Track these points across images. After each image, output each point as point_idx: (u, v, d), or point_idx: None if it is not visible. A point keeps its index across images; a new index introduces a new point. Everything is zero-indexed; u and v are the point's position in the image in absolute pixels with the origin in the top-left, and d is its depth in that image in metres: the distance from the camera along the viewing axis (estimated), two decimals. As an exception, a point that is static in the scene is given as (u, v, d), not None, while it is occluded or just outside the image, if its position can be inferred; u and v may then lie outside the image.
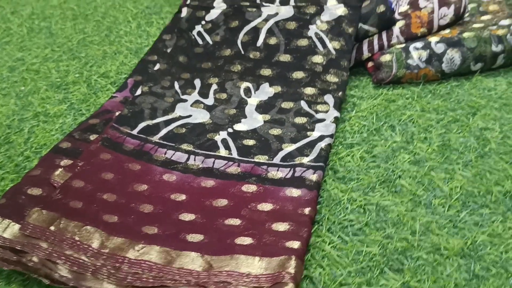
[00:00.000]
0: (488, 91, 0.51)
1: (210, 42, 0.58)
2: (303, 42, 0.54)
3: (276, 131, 0.47)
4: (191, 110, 0.51)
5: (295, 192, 0.41)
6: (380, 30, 0.55)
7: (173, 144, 0.47)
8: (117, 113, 0.52)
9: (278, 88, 0.52)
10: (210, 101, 0.52)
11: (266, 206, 0.40)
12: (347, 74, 0.52)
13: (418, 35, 0.54)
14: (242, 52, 0.56)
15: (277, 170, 0.43)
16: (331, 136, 0.46)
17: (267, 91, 0.52)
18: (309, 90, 0.51)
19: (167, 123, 0.49)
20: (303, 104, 0.50)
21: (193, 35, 0.59)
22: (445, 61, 0.52)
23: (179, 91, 0.54)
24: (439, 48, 0.52)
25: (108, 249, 0.36)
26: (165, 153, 0.46)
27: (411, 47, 0.53)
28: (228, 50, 0.56)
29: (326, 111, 0.49)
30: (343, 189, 0.41)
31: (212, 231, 0.38)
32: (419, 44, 0.53)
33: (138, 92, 0.54)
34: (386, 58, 0.53)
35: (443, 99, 0.51)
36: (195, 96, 0.53)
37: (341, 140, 0.47)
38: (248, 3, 0.59)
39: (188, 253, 0.36)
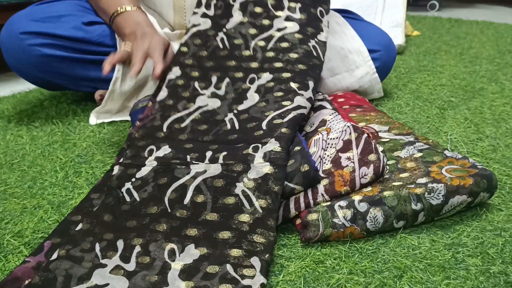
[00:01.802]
0: (413, 250, 0.52)
1: (137, 199, 0.56)
2: (230, 200, 0.53)
3: None
4: (109, 278, 0.47)
5: None
6: (305, 188, 0.56)
7: None
8: (26, 282, 0.47)
9: (204, 250, 0.50)
10: (131, 266, 0.49)
11: None
12: (274, 235, 0.51)
13: (342, 193, 0.55)
14: (169, 210, 0.54)
15: None
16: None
17: (192, 253, 0.49)
18: (236, 252, 0.49)
19: None
20: (228, 267, 0.47)
21: (122, 192, 0.58)
22: (369, 220, 0.53)
23: (99, 254, 0.50)
24: (362, 207, 0.53)
25: None
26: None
27: (336, 206, 0.53)
28: (154, 208, 0.55)
29: (253, 276, 0.46)
30: None
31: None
32: (343, 203, 0.54)
33: (54, 256, 0.50)
34: (312, 217, 0.53)
35: (370, 259, 0.50)
36: (115, 260, 0.49)
37: (267, 312, 0.44)
38: (178, 161, 0.60)
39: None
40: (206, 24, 0.79)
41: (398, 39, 1.41)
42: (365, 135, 0.61)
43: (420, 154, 0.62)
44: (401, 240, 0.53)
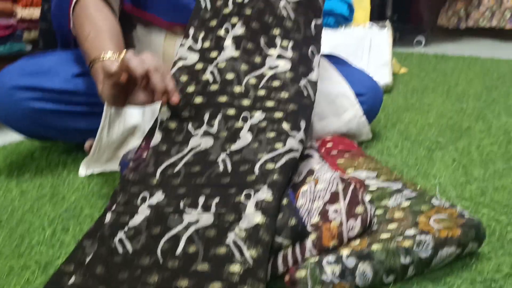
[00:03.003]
0: (403, 306, 0.51)
1: (130, 251, 0.56)
2: (222, 250, 0.53)
3: None
4: None
5: None
6: (293, 243, 0.56)
7: None
8: None
9: None
10: None
11: None
12: (263, 286, 0.50)
13: (330, 247, 0.55)
14: (161, 262, 0.54)
15: None
16: None
17: None
18: None
19: None
20: None
21: (114, 243, 0.57)
22: (357, 276, 0.52)
23: None
24: (350, 262, 0.53)
25: None
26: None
27: (324, 262, 0.53)
28: (147, 259, 0.54)
29: None
30: None
31: None
32: (331, 258, 0.53)
33: None
34: (301, 274, 0.52)
35: (360, 317, 0.50)
36: None
37: None
38: (171, 209, 0.59)
39: None
40: (192, 58, 0.77)
41: (385, 78, 1.43)
42: (352, 186, 0.61)
43: (408, 203, 0.62)
44: (391, 295, 0.53)
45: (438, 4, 2.86)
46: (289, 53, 0.78)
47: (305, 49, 0.79)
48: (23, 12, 1.36)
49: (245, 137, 0.68)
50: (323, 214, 0.59)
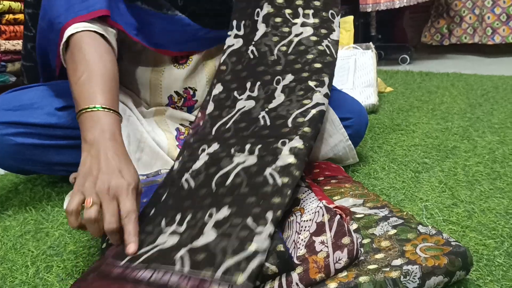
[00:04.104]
0: None
1: (193, 187, 0.70)
2: (260, 179, 0.64)
3: (223, 244, 0.55)
4: (167, 238, 0.61)
5: None
6: (280, 271, 0.55)
7: (146, 264, 0.57)
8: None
9: (233, 209, 0.61)
10: (183, 228, 0.61)
11: None
12: (288, 199, 0.61)
13: (317, 280, 0.54)
14: (214, 191, 0.66)
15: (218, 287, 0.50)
16: (263, 252, 0.54)
17: (224, 212, 0.61)
18: (256, 210, 0.59)
19: (147, 252, 0.59)
20: (249, 219, 0.58)
21: (181, 183, 0.72)
22: (346, 310, 0.51)
23: (163, 226, 0.64)
24: (338, 296, 0.52)
25: None
26: (138, 274, 0.56)
27: (311, 296, 0.52)
28: (204, 190, 0.68)
29: (264, 225, 0.56)
30: None
31: None
32: (318, 292, 0.52)
33: None
34: (288, 309, 0.52)
35: None
36: (173, 227, 0.63)
37: None
38: (224, 154, 0.72)
39: None
40: (238, 43, 0.90)
41: (371, 99, 1.44)
42: (338, 216, 0.61)
43: (394, 231, 0.62)
44: (380, 328, 0.52)
45: (421, 22, 2.91)
46: (311, 20, 0.89)
47: (325, 13, 0.90)
48: (6, 45, 1.36)
49: (279, 97, 0.78)
50: (310, 245, 0.58)
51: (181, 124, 1.00)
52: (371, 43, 1.65)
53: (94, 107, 0.67)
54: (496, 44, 2.50)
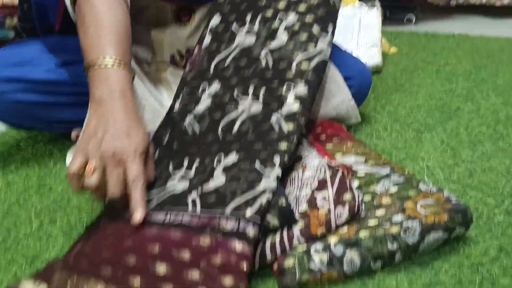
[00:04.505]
0: (391, 292, 0.51)
1: (197, 132, 0.70)
2: (266, 127, 0.66)
3: (232, 187, 0.58)
4: (176, 183, 0.63)
5: (238, 246, 0.51)
6: (281, 225, 0.56)
7: (158, 208, 0.59)
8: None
9: (241, 155, 0.63)
10: (191, 173, 0.64)
11: (217, 259, 0.50)
12: (293, 146, 0.64)
13: (318, 235, 0.55)
14: (220, 138, 0.68)
15: (227, 222, 0.54)
16: (270, 191, 0.56)
17: (233, 157, 0.63)
18: (264, 154, 0.62)
19: (158, 198, 0.61)
20: (257, 163, 0.60)
21: (184, 126, 0.72)
22: (345, 263, 0.52)
23: (171, 171, 0.66)
24: (338, 250, 0.53)
25: None
26: (152, 217, 0.58)
27: (312, 250, 0.53)
28: (210, 136, 0.69)
29: (273, 168, 0.59)
30: None
31: (179, 284, 0.49)
32: (319, 246, 0.53)
33: None
34: (289, 263, 0.52)
35: (348, 305, 0.50)
36: (182, 172, 0.65)
37: None
38: (227, 98, 0.72)
39: None
40: None
41: (375, 59, 1.42)
42: (340, 173, 0.61)
43: (396, 188, 0.62)
44: (380, 282, 0.53)
45: (428, -19, 2.83)
46: None
47: None
48: (4, -1, 1.33)
49: (282, 38, 0.76)
50: (311, 201, 0.59)
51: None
52: (377, 0, 1.61)
53: (103, 65, 0.64)
54: (503, 5, 2.44)
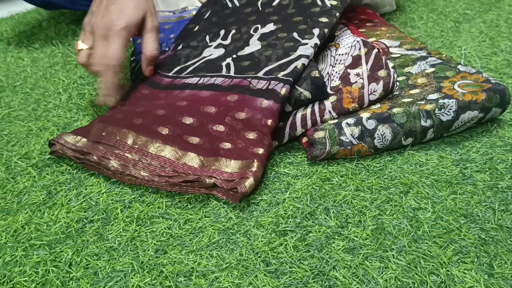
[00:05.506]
0: (420, 166, 0.51)
1: (237, 5, 0.73)
2: (308, 1, 0.67)
3: (268, 53, 0.59)
4: (213, 50, 0.64)
5: (265, 103, 0.51)
6: (313, 97, 0.54)
7: (193, 74, 0.61)
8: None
9: (279, 25, 0.64)
10: (228, 41, 0.65)
11: (241, 115, 0.52)
12: (337, 18, 0.63)
13: (350, 110, 0.54)
14: (260, 9, 0.69)
15: (257, 82, 0.54)
16: (307, 57, 0.56)
17: (270, 27, 0.64)
18: (302, 27, 0.62)
19: (194, 63, 0.63)
20: (294, 34, 0.61)
21: (225, 1, 0.74)
22: (377, 137, 0.52)
23: (208, 41, 0.67)
24: (370, 124, 0.52)
25: (138, 145, 0.50)
26: (184, 80, 0.60)
27: (343, 123, 0.52)
28: (249, 8, 0.70)
29: (311, 38, 0.59)
30: (275, 284, 0.39)
31: (205, 136, 0.51)
32: (351, 120, 0.52)
33: (179, 47, 0.69)
34: (319, 134, 0.52)
35: (377, 176, 0.50)
36: (218, 41, 0.66)
37: (274, 228, 0.45)
38: None
39: (189, 153, 0.49)
40: None
41: None
42: (375, 50, 0.58)
43: (432, 69, 0.60)
44: (409, 157, 0.53)
45: None
46: None
47: None
48: None
49: None
50: (344, 77, 0.57)
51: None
52: None
53: None
54: None
